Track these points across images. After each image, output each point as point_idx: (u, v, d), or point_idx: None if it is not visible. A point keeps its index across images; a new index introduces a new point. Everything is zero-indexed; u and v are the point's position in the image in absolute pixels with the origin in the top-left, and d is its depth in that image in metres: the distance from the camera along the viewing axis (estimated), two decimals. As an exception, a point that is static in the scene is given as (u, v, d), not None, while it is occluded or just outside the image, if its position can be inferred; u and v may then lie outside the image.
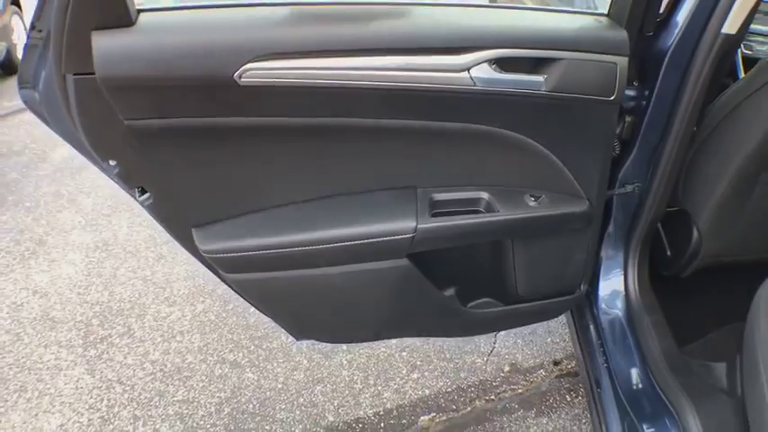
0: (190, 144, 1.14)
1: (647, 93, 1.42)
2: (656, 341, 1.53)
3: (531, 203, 1.37)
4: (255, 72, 1.02)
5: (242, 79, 1.01)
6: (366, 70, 1.07)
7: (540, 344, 2.33)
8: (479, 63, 1.11)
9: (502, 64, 1.13)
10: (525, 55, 1.15)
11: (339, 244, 1.25)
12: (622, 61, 1.21)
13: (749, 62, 1.88)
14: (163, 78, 1.00)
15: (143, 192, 1.20)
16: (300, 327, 1.55)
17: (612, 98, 1.23)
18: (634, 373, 1.53)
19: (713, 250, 1.66)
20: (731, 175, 1.48)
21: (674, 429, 1.33)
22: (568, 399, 2.07)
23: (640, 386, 1.49)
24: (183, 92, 1.04)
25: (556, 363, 2.23)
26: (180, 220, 1.27)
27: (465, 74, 1.11)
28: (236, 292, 1.39)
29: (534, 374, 2.19)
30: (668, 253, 1.77)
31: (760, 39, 2.16)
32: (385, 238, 1.25)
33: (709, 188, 1.56)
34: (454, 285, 1.54)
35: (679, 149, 1.45)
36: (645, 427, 1.39)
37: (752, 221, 1.62)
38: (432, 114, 1.19)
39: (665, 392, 1.41)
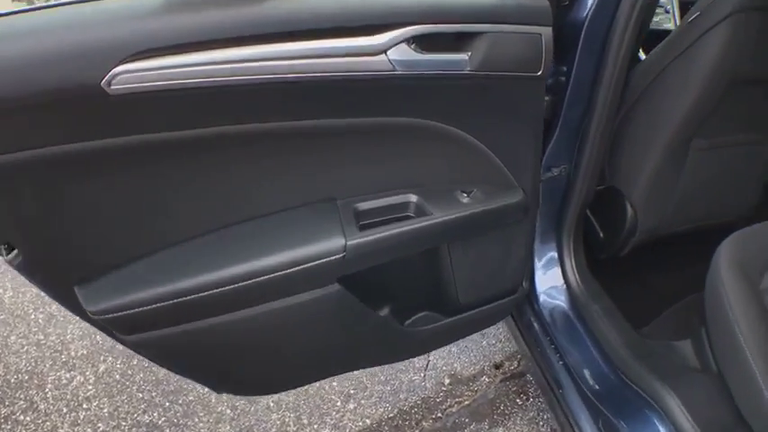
0: (56, 179, 0.90)
1: (565, 68, 1.32)
2: (612, 329, 1.43)
3: (464, 200, 1.22)
4: (128, 76, 0.81)
5: (112, 87, 0.80)
6: (262, 61, 0.88)
7: (475, 349, 2.21)
8: (397, 43, 0.95)
9: (422, 43, 0.98)
10: (447, 30, 1.00)
11: (255, 280, 1.04)
12: (546, 32, 1.09)
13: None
14: (8, 99, 0.77)
15: (10, 249, 0.96)
16: (221, 382, 1.32)
17: (539, 73, 1.11)
18: (597, 368, 1.43)
19: (650, 224, 1.59)
20: (663, 144, 1.41)
21: (656, 418, 1.23)
22: (519, 402, 1.96)
23: (607, 380, 1.38)
24: (38, 113, 0.81)
25: (497, 366, 2.11)
26: (58, 279, 1.02)
27: (382, 57, 0.94)
28: (139, 354, 1.15)
29: (477, 382, 2.06)
30: (601, 235, 1.69)
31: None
32: (310, 264, 1.06)
33: (639, 161, 1.49)
34: (388, 303, 1.37)
35: (606, 124, 1.35)
36: (623, 422, 1.28)
37: (687, 190, 1.56)
38: (346, 109, 1.01)
39: (635, 382, 1.31)
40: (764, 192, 1.82)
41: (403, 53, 0.96)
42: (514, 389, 2.01)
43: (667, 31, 1.77)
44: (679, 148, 1.45)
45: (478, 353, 2.18)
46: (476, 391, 2.02)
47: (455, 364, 2.13)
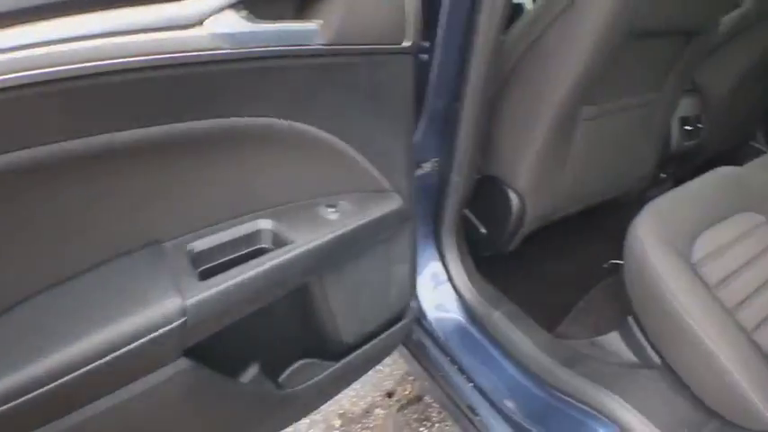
0: None
1: (427, 45, 1.11)
2: (523, 336, 1.25)
3: (331, 216, 0.96)
4: None
5: None
6: (30, 49, 0.55)
7: (361, 380, 1.94)
8: (221, 9, 0.65)
9: (256, 8, 0.69)
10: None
11: (62, 380, 0.69)
12: None
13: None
14: None
15: None
16: None
17: (408, 44, 0.88)
18: (516, 385, 1.22)
19: (540, 211, 1.42)
20: (548, 117, 1.24)
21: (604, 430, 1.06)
22: (424, 431, 1.73)
23: (533, 397, 1.19)
24: None
25: (389, 394, 1.87)
26: None
27: (200, 30, 0.65)
28: None
29: (372, 417, 1.80)
30: (483, 231, 1.50)
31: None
32: (140, 342, 0.73)
33: (521, 141, 1.31)
34: (255, 360, 1.07)
35: (480, 105, 1.16)
36: None
37: (578, 166, 1.41)
38: (157, 112, 0.70)
39: (569, 393, 1.13)
40: (660, 157, 1.75)
41: (229, 23, 0.67)
42: (415, 416, 1.78)
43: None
44: (566, 119, 1.28)
45: (365, 383, 1.92)
46: (372, 427, 1.77)
47: (343, 401, 1.86)
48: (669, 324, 1.10)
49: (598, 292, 1.52)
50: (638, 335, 1.22)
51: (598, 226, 1.71)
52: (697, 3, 1.37)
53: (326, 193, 0.99)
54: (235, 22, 0.67)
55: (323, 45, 0.77)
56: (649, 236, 1.16)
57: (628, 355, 1.25)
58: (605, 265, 1.59)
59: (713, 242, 1.24)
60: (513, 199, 1.38)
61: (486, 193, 1.42)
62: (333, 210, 0.97)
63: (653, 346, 1.18)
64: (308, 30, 0.76)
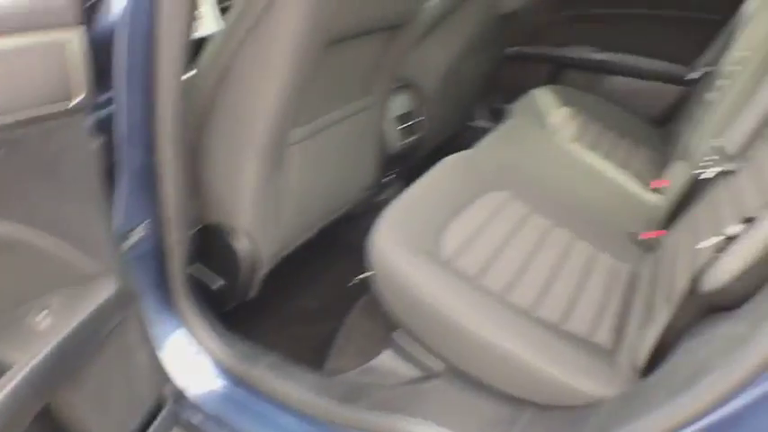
0: None
1: (108, 95, 0.96)
2: (292, 384, 1.14)
3: (43, 324, 0.83)
4: None
5: None
6: None
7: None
8: None
9: None
10: None
11: None
12: (76, 38, 0.71)
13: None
14: None
15: None
16: None
17: (78, 101, 0.71)
18: None
19: (273, 247, 1.33)
20: (257, 151, 1.15)
21: None
22: None
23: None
24: None
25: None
26: None
27: None
28: None
29: None
30: (220, 283, 1.34)
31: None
32: None
33: (235, 180, 1.20)
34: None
35: (179, 153, 1.05)
36: None
37: (299, 193, 1.34)
38: None
39: (360, 428, 1.04)
40: (382, 162, 1.73)
41: None
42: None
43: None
44: (276, 148, 1.19)
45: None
46: None
47: None
48: (439, 327, 1.07)
49: (356, 315, 1.46)
50: (411, 347, 1.18)
51: (338, 245, 1.67)
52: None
53: (33, 296, 0.84)
54: None
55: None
56: (391, 243, 1.13)
57: (407, 371, 1.20)
58: (351, 284, 1.55)
59: (462, 233, 1.23)
60: (242, 242, 1.25)
61: (213, 242, 1.27)
62: (45, 313, 0.84)
63: (432, 354, 1.15)
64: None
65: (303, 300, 1.61)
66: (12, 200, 0.73)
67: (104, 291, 0.89)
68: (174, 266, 1.14)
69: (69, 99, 0.71)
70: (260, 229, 1.27)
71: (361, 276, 1.49)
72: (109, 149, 0.97)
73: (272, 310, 1.50)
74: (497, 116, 2.50)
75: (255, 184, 1.20)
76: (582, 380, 0.98)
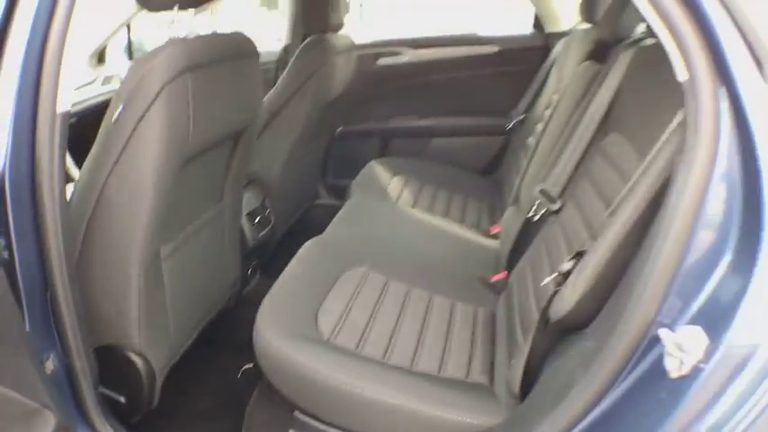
0: None
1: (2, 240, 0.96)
2: None
3: None
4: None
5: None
6: None
7: None
8: None
9: None
10: None
11: None
12: None
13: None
14: None
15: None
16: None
17: None
18: None
19: (164, 359, 1.37)
20: (134, 272, 1.20)
21: None
22: None
23: None
24: None
25: None
26: None
27: None
28: None
29: None
30: (122, 400, 1.33)
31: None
32: None
33: (119, 301, 1.23)
34: None
35: (68, 281, 1.06)
36: None
37: (176, 303, 1.39)
38: None
39: None
40: (242, 258, 1.79)
41: None
42: None
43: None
44: (151, 266, 1.24)
45: None
46: None
47: None
48: (333, 401, 1.17)
49: (255, 403, 1.49)
50: (313, 422, 1.25)
51: (218, 342, 1.73)
52: (241, 109, 1.47)
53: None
54: None
55: None
56: (274, 334, 1.21)
57: None
58: (239, 376, 1.59)
59: (334, 312, 1.34)
60: (137, 361, 1.28)
61: (109, 362, 1.27)
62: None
63: (332, 427, 1.22)
64: None
65: (200, 401, 1.62)
66: None
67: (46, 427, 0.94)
68: (84, 389, 1.14)
69: None
70: (151, 345, 1.30)
71: (244, 368, 1.54)
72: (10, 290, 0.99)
73: (173, 413, 1.51)
74: (338, 192, 2.71)
75: (139, 303, 1.24)
76: (469, 415, 1.12)
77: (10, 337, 0.90)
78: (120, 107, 1.12)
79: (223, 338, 1.75)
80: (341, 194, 2.60)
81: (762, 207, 0.73)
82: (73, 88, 0.98)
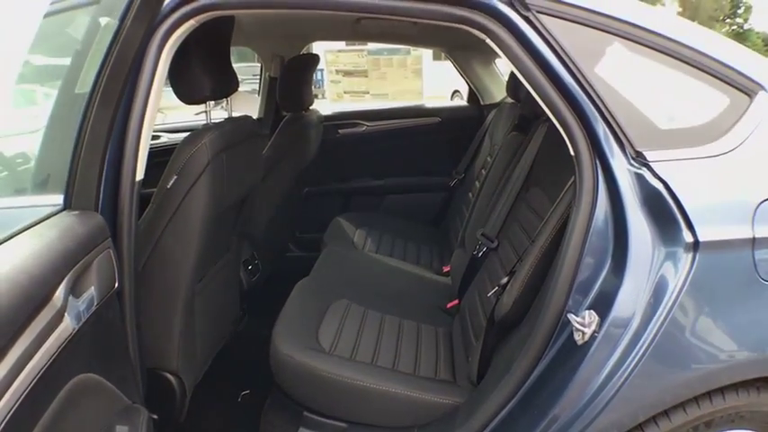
0: None
1: None
2: None
3: None
4: None
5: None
6: None
7: None
8: None
9: None
10: None
11: None
12: None
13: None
14: None
15: None
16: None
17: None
18: None
19: (192, 380, 1.66)
20: (179, 305, 1.52)
21: None
22: None
23: None
24: None
25: None
26: None
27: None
28: None
29: None
30: (154, 417, 1.62)
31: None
32: None
33: (163, 329, 1.54)
34: None
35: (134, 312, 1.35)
36: None
37: (202, 331, 1.70)
38: None
39: None
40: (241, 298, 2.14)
41: None
42: None
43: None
44: (189, 300, 1.57)
45: None
46: None
47: None
48: (338, 394, 1.51)
49: (268, 410, 1.75)
50: (320, 419, 1.57)
51: (230, 365, 2.05)
52: (252, 177, 1.85)
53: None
54: None
55: None
56: (290, 348, 1.55)
57: None
58: (240, 400, 1.92)
59: (330, 332, 1.70)
60: (173, 381, 1.57)
61: (149, 384, 1.56)
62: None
63: (336, 420, 1.55)
64: None
65: (204, 420, 1.91)
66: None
67: (140, 418, 1.20)
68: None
69: None
70: (186, 367, 1.60)
71: (243, 393, 1.87)
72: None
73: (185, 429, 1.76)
74: (305, 244, 3.13)
75: (180, 330, 1.55)
76: (442, 396, 1.51)
77: (119, 348, 1.19)
78: (174, 177, 1.46)
79: (237, 362, 2.10)
80: (308, 247, 2.98)
81: (626, 233, 1.14)
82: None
